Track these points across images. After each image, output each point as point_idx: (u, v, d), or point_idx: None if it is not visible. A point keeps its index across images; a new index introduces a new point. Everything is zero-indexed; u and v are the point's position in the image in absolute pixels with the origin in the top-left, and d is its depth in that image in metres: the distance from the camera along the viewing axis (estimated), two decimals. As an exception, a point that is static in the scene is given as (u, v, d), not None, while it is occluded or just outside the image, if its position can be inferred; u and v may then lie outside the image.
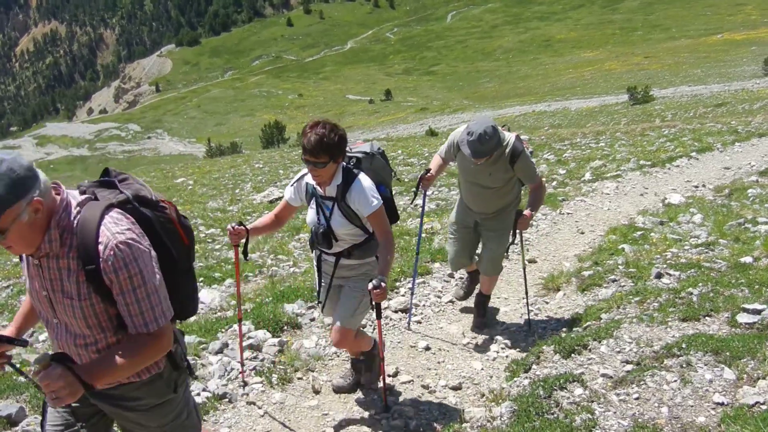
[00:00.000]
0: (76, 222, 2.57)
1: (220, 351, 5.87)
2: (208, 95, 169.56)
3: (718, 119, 26.49)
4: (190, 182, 22.85)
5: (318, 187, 4.47)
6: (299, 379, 5.58)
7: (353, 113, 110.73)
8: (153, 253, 2.68)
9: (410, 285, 7.61)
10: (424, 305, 7.31)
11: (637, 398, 4.17)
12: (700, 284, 6.12)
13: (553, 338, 5.60)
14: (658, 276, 6.75)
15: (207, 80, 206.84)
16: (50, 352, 2.50)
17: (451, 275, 8.05)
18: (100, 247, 2.51)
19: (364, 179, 4.39)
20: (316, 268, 4.95)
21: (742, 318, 5.10)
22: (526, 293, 6.88)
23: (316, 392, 5.35)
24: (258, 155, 34.35)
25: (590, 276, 7.47)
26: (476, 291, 6.98)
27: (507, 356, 6.03)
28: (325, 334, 6.38)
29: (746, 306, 5.24)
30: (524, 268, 6.95)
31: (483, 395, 5.24)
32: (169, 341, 2.73)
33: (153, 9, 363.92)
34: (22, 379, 4.91)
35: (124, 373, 2.65)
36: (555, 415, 4.15)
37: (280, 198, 9.96)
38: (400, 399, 5.34)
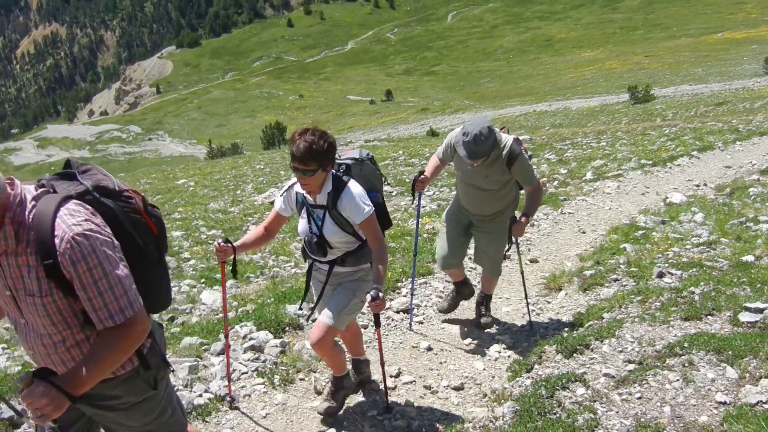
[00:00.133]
0: (31, 217, 2.50)
1: (221, 352, 5.86)
2: (208, 96, 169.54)
3: (719, 118, 26.46)
4: (191, 183, 22.86)
5: (308, 196, 4.42)
6: (301, 380, 5.58)
7: (354, 114, 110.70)
8: (116, 243, 2.60)
9: (411, 285, 7.62)
10: (425, 305, 7.31)
11: (639, 398, 4.17)
12: (702, 283, 6.11)
13: (555, 338, 5.59)
14: (660, 275, 6.74)
15: (208, 81, 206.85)
16: (32, 370, 2.45)
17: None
18: (57, 241, 2.43)
19: (355, 186, 4.35)
20: (307, 278, 4.90)
21: (744, 317, 5.09)
22: (526, 295, 6.85)
23: (318, 393, 5.34)
24: (259, 156, 34.38)
25: (592, 275, 7.47)
26: (477, 291, 6.98)
27: (509, 356, 6.03)
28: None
29: (748, 305, 5.23)
30: (522, 272, 6.89)
31: (485, 395, 5.24)
32: (142, 331, 2.64)
33: (153, 11, 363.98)
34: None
35: (104, 373, 2.59)
36: (557, 415, 4.15)
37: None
38: (403, 399, 5.34)
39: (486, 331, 6.68)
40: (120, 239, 2.64)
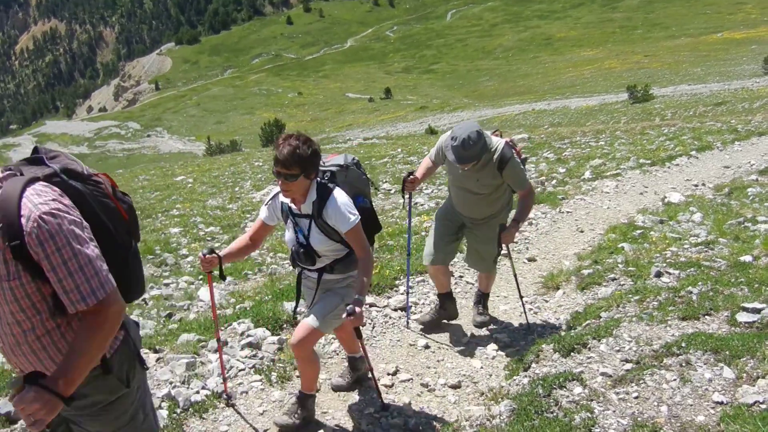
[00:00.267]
0: None
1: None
2: (207, 93, 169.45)
3: (718, 118, 26.48)
4: (190, 180, 22.83)
5: (293, 206, 4.37)
6: (298, 377, 5.58)
7: (353, 111, 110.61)
8: (85, 223, 2.53)
9: (410, 284, 7.62)
10: (423, 303, 7.31)
11: (636, 397, 4.17)
12: (700, 283, 6.11)
13: (552, 337, 5.59)
14: (658, 275, 6.75)
15: (207, 78, 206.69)
16: (23, 375, 2.41)
17: (451, 272, 8.00)
18: (23, 221, 2.36)
19: (340, 194, 4.28)
20: (297, 285, 4.83)
21: (742, 317, 5.10)
22: (521, 296, 6.79)
23: (316, 390, 5.34)
24: (258, 153, 34.34)
25: (590, 275, 7.47)
26: (476, 290, 6.98)
27: (506, 355, 6.03)
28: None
29: (746, 305, 5.23)
30: (515, 274, 6.86)
31: (482, 394, 5.24)
32: (117, 312, 2.55)
33: (153, 7, 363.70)
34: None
35: (90, 365, 2.51)
36: (554, 414, 4.15)
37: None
38: (400, 397, 5.34)
39: (484, 329, 6.68)
40: (89, 222, 2.57)
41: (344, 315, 4.05)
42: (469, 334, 6.58)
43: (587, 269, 7.72)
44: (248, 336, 6.05)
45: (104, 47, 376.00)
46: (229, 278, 8.21)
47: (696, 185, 12.69)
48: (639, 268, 7.14)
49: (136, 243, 2.98)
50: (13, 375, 2.89)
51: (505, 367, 5.70)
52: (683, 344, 4.65)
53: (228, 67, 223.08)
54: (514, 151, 5.81)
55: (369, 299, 7.17)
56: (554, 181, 14.03)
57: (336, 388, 5.39)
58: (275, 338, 6.03)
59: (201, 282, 8.32)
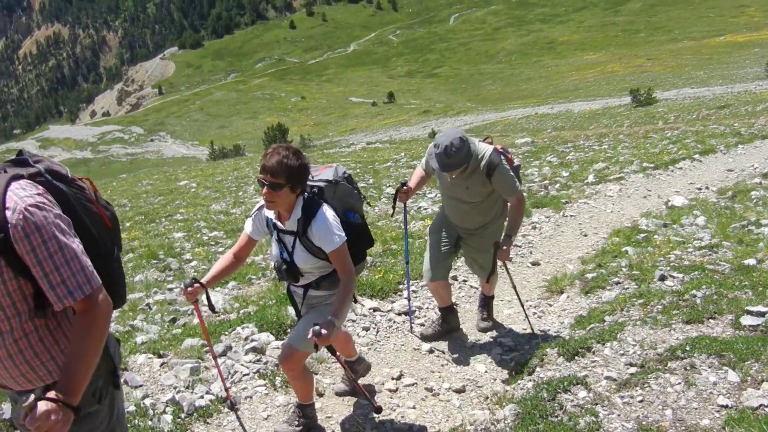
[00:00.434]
0: None
1: (223, 354, 5.88)
2: (211, 98, 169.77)
3: (721, 121, 26.46)
4: (193, 185, 22.86)
5: (278, 222, 4.24)
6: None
7: (356, 116, 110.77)
8: (69, 220, 2.49)
9: (412, 288, 7.63)
10: (427, 308, 7.31)
11: (641, 401, 4.17)
12: (704, 286, 6.11)
13: (556, 341, 5.59)
14: (662, 278, 6.74)
15: (210, 83, 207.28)
16: (33, 394, 2.29)
17: (454, 278, 8.00)
18: (8, 213, 2.32)
19: (327, 212, 4.12)
20: (290, 299, 4.76)
21: (746, 320, 5.09)
22: (521, 304, 6.65)
23: (320, 395, 5.35)
24: (261, 158, 34.38)
25: (593, 278, 7.46)
26: (479, 294, 6.97)
27: (510, 359, 6.02)
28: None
29: (750, 308, 5.23)
30: (514, 286, 6.62)
31: (486, 398, 5.24)
32: (107, 309, 2.51)
33: (156, 12, 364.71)
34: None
35: (91, 366, 2.45)
36: (559, 418, 4.15)
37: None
38: (404, 402, 5.34)
39: (487, 333, 6.67)
40: (73, 225, 2.53)
41: (309, 335, 3.83)
42: (473, 338, 6.57)
43: (591, 273, 7.71)
44: (252, 341, 6.06)
45: (107, 52, 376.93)
46: (233, 283, 8.21)
47: (699, 188, 12.68)
48: (643, 271, 7.13)
49: (119, 252, 2.94)
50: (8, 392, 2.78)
51: (509, 372, 5.69)
52: (688, 348, 4.65)
53: (231, 72, 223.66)
54: (503, 158, 5.65)
55: (373, 303, 7.18)
56: (557, 185, 14.02)
57: (339, 393, 5.39)
58: (279, 343, 6.03)
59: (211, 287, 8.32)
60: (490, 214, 5.98)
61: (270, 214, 4.30)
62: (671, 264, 7.28)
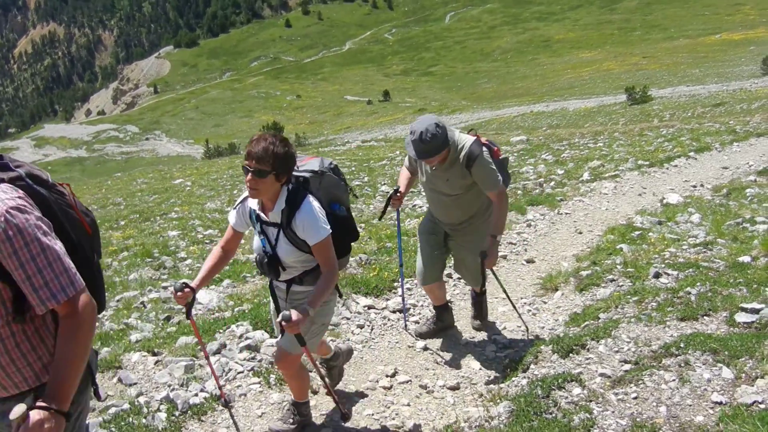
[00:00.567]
0: None
1: (217, 352, 5.87)
2: (206, 96, 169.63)
3: (716, 119, 26.50)
4: (188, 183, 22.87)
5: (261, 213, 4.14)
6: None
7: (351, 114, 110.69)
8: (50, 224, 2.45)
9: (407, 286, 7.63)
10: (422, 306, 7.31)
11: (635, 398, 4.17)
12: (699, 284, 6.11)
13: (551, 338, 5.60)
14: (657, 276, 6.74)
15: (205, 81, 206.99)
16: (24, 404, 2.25)
17: (449, 275, 7.99)
18: None
19: (312, 203, 4.02)
20: (271, 295, 4.63)
21: (741, 317, 5.10)
22: (512, 303, 6.59)
23: (314, 392, 5.34)
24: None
25: (588, 276, 7.46)
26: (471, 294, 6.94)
27: (505, 356, 6.02)
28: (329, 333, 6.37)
29: (744, 305, 5.23)
30: (504, 290, 6.52)
31: (481, 395, 5.23)
32: (91, 311, 2.45)
33: (151, 11, 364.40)
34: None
35: (79, 370, 2.40)
36: (553, 415, 4.15)
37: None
38: (398, 399, 5.33)
39: (482, 331, 6.67)
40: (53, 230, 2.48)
41: (279, 318, 3.80)
42: (467, 336, 6.57)
43: (586, 270, 7.71)
44: (246, 339, 6.05)
45: (103, 51, 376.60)
46: (227, 281, 8.20)
47: (694, 186, 12.69)
48: (637, 269, 7.13)
49: (98, 258, 2.90)
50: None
51: (503, 369, 5.69)
52: (682, 345, 4.65)
53: (226, 70, 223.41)
54: (485, 150, 5.47)
55: (368, 301, 7.18)
56: (553, 183, 14.03)
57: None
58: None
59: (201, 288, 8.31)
60: (474, 207, 5.81)
61: (254, 204, 4.20)
62: (666, 261, 7.29)
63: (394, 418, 4.99)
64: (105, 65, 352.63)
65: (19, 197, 2.40)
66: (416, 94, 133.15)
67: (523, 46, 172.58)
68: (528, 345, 6.02)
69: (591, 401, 4.23)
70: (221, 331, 6.31)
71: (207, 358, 4.82)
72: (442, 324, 6.56)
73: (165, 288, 8.21)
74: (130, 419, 4.68)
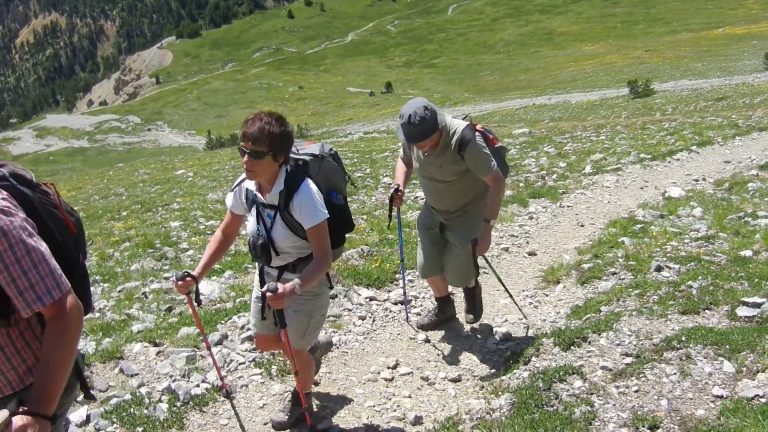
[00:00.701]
0: None
1: (219, 342, 5.88)
2: (208, 87, 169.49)
3: (718, 113, 26.44)
4: (190, 174, 22.85)
5: (259, 195, 4.05)
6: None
7: (354, 105, 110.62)
8: (35, 225, 2.40)
9: (409, 277, 7.63)
10: (423, 297, 7.31)
11: (636, 391, 4.17)
12: (700, 277, 6.11)
13: (552, 331, 5.60)
14: (658, 269, 6.74)
15: (207, 72, 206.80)
16: (7, 408, 2.22)
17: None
18: None
19: (311, 186, 3.93)
20: (257, 282, 4.45)
21: (742, 311, 5.10)
22: (510, 295, 6.62)
23: (315, 384, 5.34)
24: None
25: (590, 269, 7.46)
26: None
27: (506, 348, 6.02)
28: (324, 326, 6.37)
29: (746, 299, 5.24)
30: (500, 279, 6.56)
31: (482, 387, 5.24)
32: (77, 313, 2.41)
33: (153, 1, 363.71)
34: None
35: (65, 376, 2.36)
36: (554, 408, 4.15)
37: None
38: (400, 391, 5.34)
39: (484, 322, 6.66)
40: (38, 231, 2.44)
41: (264, 288, 3.68)
42: (469, 327, 6.57)
43: (587, 263, 7.71)
44: (248, 330, 6.05)
45: (105, 41, 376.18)
46: (228, 272, 8.20)
47: (696, 180, 12.68)
48: (639, 262, 7.13)
49: (84, 258, 2.86)
50: None
51: (505, 361, 5.69)
52: (683, 338, 4.65)
53: (229, 61, 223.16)
54: (479, 135, 5.35)
55: (369, 293, 7.18)
56: (555, 176, 14.02)
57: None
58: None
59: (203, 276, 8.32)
60: (469, 195, 5.70)
61: (251, 185, 4.10)
62: (667, 255, 7.29)
63: (395, 410, 4.99)
64: (107, 55, 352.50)
65: (3, 198, 2.36)
66: (419, 85, 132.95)
67: (526, 38, 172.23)
68: (529, 337, 6.04)
69: (592, 394, 4.23)
70: (223, 322, 6.32)
71: (209, 348, 4.82)
72: (443, 316, 6.54)
73: (167, 279, 8.21)
74: (132, 410, 4.69)
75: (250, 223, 4.17)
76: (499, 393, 4.72)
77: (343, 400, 5.16)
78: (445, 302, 6.56)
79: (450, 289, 6.61)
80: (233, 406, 4.95)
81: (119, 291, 7.83)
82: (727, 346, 4.43)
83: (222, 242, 4.35)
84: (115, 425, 4.54)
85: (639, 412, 3.93)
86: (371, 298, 7.09)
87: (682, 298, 5.67)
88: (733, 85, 42.03)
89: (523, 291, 7.46)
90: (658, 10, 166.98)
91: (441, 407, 5.07)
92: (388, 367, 5.69)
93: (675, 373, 4.26)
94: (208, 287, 7.47)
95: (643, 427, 3.79)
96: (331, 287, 4.45)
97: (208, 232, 11.24)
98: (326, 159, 4.29)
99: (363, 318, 6.67)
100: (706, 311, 5.32)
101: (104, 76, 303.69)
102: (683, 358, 4.41)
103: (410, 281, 7.63)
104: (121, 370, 5.36)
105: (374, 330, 6.48)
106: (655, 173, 13.88)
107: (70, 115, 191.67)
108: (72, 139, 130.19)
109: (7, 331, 2.46)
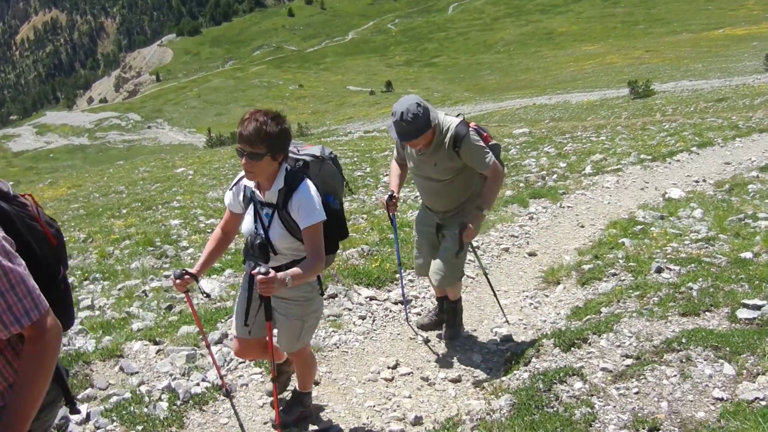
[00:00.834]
0: None
1: (219, 341, 5.89)
2: (208, 85, 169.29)
3: (718, 114, 26.44)
4: (190, 172, 22.86)
5: (257, 192, 4.01)
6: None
7: (354, 104, 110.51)
8: (12, 242, 2.30)
9: (410, 277, 7.63)
10: (423, 297, 7.32)
11: (636, 392, 4.18)
12: (700, 279, 6.11)
13: (552, 332, 5.60)
14: (658, 270, 6.75)
15: (207, 70, 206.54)
16: None
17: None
18: None
19: (310, 187, 3.90)
20: (245, 284, 4.36)
21: (742, 313, 5.10)
22: (495, 294, 6.59)
23: (316, 383, 5.35)
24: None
25: (590, 270, 7.46)
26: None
27: (506, 349, 6.02)
28: (324, 325, 6.38)
29: (746, 301, 5.24)
30: (486, 275, 6.53)
31: (482, 388, 5.24)
32: (56, 335, 2.33)
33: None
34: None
35: (40, 395, 2.31)
36: (554, 409, 4.15)
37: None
38: (400, 391, 5.34)
39: (484, 323, 6.67)
40: (16, 245, 2.34)
41: (254, 271, 3.60)
42: (469, 328, 6.57)
43: (588, 264, 7.72)
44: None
45: (105, 38, 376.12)
46: (229, 271, 8.21)
47: (697, 181, 12.69)
48: (639, 263, 7.13)
49: (65, 270, 2.77)
50: None
51: (505, 362, 5.69)
52: (683, 340, 4.65)
53: (229, 59, 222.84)
54: (473, 131, 5.26)
55: (369, 292, 7.18)
56: (555, 176, 14.03)
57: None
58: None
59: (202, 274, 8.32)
60: (466, 193, 5.60)
61: (250, 183, 4.06)
62: (668, 256, 7.29)
63: (395, 410, 4.99)
64: (107, 53, 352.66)
65: None
66: (419, 85, 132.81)
67: (526, 38, 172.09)
68: (529, 338, 6.04)
69: (592, 395, 4.23)
70: (223, 320, 6.33)
71: (208, 347, 4.78)
72: (443, 315, 6.49)
73: (167, 277, 8.21)
74: (132, 408, 4.70)
75: (247, 222, 4.11)
76: (500, 394, 4.72)
77: (343, 400, 5.16)
78: (444, 302, 6.54)
79: (462, 277, 6.55)
80: (233, 405, 4.95)
81: (119, 289, 7.84)
82: (728, 349, 4.43)
83: (221, 240, 4.33)
84: (114, 423, 4.54)
85: (639, 414, 3.94)
86: (371, 298, 7.09)
87: (683, 299, 5.68)
88: (733, 86, 42.00)
89: (524, 292, 7.47)
90: (658, 10, 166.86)
91: (441, 408, 5.07)
92: (389, 367, 5.70)
93: (675, 375, 4.26)
94: (208, 286, 7.48)
95: (644, 429, 3.79)
96: (322, 293, 4.39)
97: (208, 231, 11.25)
98: (326, 161, 4.25)
99: (363, 317, 6.67)
100: (707, 313, 5.33)
101: (104, 73, 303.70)
102: (683, 360, 4.41)
103: (410, 281, 7.64)
104: (121, 369, 5.36)
105: (374, 330, 6.48)
106: (656, 174, 13.88)
107: (70, 112, 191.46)
108: (72, 137, 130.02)
109: None
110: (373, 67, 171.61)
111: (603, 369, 4.56)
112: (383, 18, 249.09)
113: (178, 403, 4.85)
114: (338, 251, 4.98)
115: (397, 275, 7.62)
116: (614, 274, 7.09)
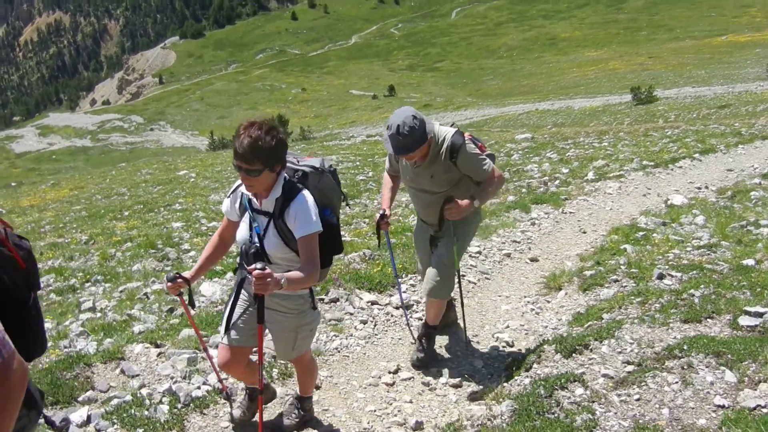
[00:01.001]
0: None
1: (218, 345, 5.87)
2: (211, 88, 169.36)
3: (721, 121, 26.44)
4: (193, 175, 22.85)
5: (254, 199, 3.98)
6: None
7: (356, 108, 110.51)
8: None
9: (412, 281, 7.63)
10: (425, 302, 7.30)
11: (638, 399, 4.17)
12: (702, 286, 6.11)
13: (554, 337, 5.60)
14: (660, 277, 6.74)
15: (210, 73, 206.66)
16: None
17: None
18: None
19: (307, 197, 3.87)
20: (234, 294, 4.30)
21: (744, 320, 5.09)
22: (461, 293, 6.25)
23: (317, 387, 5.34)
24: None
25: (592, 276, 7.46)
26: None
27: (508, 355, 6.02)
28: (325, 330, 6.38)
29: (748, 309, 5.23)
30: (458, 276, 5.90)
31: (484, 393, 5.24)
32: (21, 377, 2.16)
33: (157, 1, 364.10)
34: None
35: None
36: (555, 415, 4.15)
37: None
38: (401, 395, 5.34)
39: (485, 328, 6.67)
40: None
41: (251, 266, 3.46)
42: (471, 333, 6.57)
43: (589, 270, 7.71)
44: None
45: (108, 40, 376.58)
46: (230, 274, 8.19)
47: (699, 188, 12.68)
48: (641, 269, 7.13)
49: (36, 294, 2.67)
50: None
51: (506, 367, 5.69)
52: (685, 347, 4.65)
53: (232, 62, 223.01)
54: (469, 141, 5.17)
55: (371, 297, 7.17)
56: (557, 182, 14.02)
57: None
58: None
59: (202, 278, 8.32)
60: None
61: (247, 192, 3.99)
62: (670, 263, 7.29)
63: (396, 415, 4.99)
64: (110, 55, 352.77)
65: None
66: (421, 89, 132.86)
67: (529, 43, 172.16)
68: (531, 344, 6.04)
69: (594, 402, 4.23)
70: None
71: (205, 350, 4.76)
72: (445, 321, 6.47)
73: (168, 279, 8.20)
74: (132, 411, 4.69)
75: (242, 230, 4.08)
76: (501, 399, 4.72)
77: (343, 405, 5.16)
78: (446, 308, 6.48)
79: (451, 294, 6.56)
80: (231, 408, 4.94)
81: (121, 291, 7.83)
82: (729, 356, 4.42)
83: (218, 247, 4.32)
84: (115, 426, 4.54)
85: (640, 421, 3.93)
86: (373, 302, 7.09)
87: (684, 306, 5.67)
88: (736, 93, 41.99)
89: (525, 297, 7.46)
90: (661, 16, 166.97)
91: (442, 413, 5.07)
92: (390, 372, 5.69)
93: (677, 382, 4.26)
94: (209, 289, 7.48)
95: (645, 435, 3.79)
96: (315, 307, 4.31)
97: (210, 234, 11.22)
98: (326, 174, 4.19)
99: (364, 322, 6.66)
100: (708, 320, 5.32)
101: (107, 75, 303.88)
102: (685, 367, 4.41)
103: (412, 286, 7.63)
104: (122, 371, 5.36)
105: (376, 334, 6.48)
106: (658, 180, 13.88)
107: (73, 113, 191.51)
108: (75, 138, 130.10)
109: None
110: (376, 71, 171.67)
111: (604, 375, 4.56)
112: (386, 22, 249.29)
113: (179, 406, 4.85)
114: (340, 254, 4.97)
115: (399, 280, 7.62)
116: (616, 281, 7.08)
